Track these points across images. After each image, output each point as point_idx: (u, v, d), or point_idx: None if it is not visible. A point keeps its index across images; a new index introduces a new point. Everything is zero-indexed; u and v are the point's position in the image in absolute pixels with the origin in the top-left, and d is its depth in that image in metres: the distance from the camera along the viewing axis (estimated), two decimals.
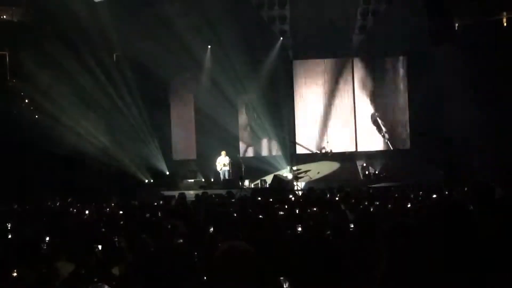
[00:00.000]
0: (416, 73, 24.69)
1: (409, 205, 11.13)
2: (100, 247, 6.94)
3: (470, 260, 2.89)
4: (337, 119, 27.15)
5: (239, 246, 2.88)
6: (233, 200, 15.53)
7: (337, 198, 14.49)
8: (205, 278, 3.11)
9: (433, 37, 22.49)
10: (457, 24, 23.81)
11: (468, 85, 21.71)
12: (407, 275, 3.09)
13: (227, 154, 25.24)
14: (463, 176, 17.84)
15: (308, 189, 18.38)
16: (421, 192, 14.47)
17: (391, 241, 3.52)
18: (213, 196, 16.87)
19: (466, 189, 13.43)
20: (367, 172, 25.30)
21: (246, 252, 2.83)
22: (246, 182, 24.26)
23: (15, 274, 5.70)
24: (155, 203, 15.52)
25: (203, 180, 25.54)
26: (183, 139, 26.92)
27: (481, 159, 20.61)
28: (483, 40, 22.02)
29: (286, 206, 12.04)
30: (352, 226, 7.51)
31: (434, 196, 12.97)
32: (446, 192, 13.80)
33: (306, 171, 24.10)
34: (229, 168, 25.01)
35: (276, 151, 27.48)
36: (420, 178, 19.49)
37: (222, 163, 25.05)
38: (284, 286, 4.01)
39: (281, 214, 10.69)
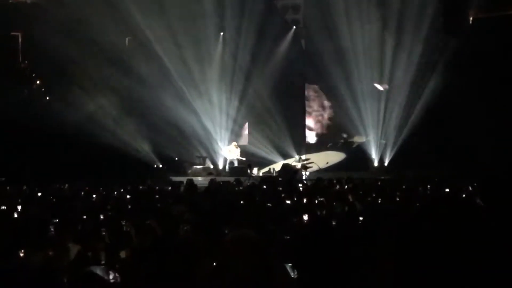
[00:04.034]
0: (428, 65, 24.51)
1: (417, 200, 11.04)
2: (107, 231, 6.98)
3: (479, 260, 2.88)
4: None
5: (248, 235, 2.88)
6: (241, 188, 15.54)
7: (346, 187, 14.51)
8: (213, 265, 3.11)
9: (447, 29, 22.38)
10: (471, 18, 23.65)
11: (478, 78, 21.59)
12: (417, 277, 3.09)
13: (238, 146, 25.31)
14: (473, 171, 17.70)
15: (316, 179, 18.35)
16: (429, 186, 14.36)
17: (397, 247, 3.51)
18: (221, 183, 16.89)
19: (475, 184, 13.35)
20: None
21: (255, 241, 2.83)
22: (255, 170, 24.25)
23: (22, 254, 5.73)
24: (163, 189, 15.56)
25: (211, 167, 25.55)
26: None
27: (492, 154, 20.47)
28: (496, 34, 21.87)
29: (293, 196, 12.01)
30: (361, 218, 7.50)
31: (447, 190, 12.85)
32: (454, 187, 13.68)
33: (313, 163, 24.04)
34: (237, 160, 25.06)
35: (285, 139, 27.42)
36: (428, 171, 19.39)
37: (233, 152, 25.08)
38: (291, 274, 4.01)
39: (288, 203, 10.69)
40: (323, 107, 27.56)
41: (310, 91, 27.81)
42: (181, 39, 24.71)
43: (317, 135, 27.58)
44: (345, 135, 26.94)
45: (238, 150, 25.19)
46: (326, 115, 27.56)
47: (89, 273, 4.81)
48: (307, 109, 27.83)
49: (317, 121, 27.71)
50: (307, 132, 27.64)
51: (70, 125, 22.18)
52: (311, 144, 27.28)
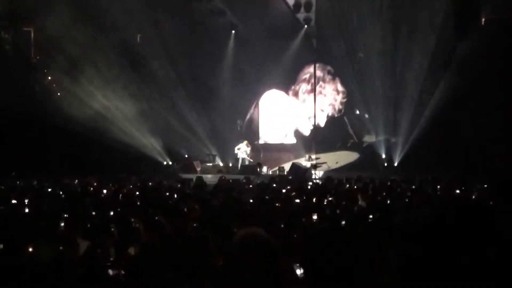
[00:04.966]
0: (440, 66, 24.40)
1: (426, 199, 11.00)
2: (116, 227, 6.99)
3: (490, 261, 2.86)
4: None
5: (257, 233, 2.87)
6: (250, 186, 15.54)
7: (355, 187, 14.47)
8: (221, 262, 3.11)
9: (459, 30, 22.33)
10: (483, 19, 23.55)
11: (489, 80, 21.52)
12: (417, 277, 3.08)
13: (249, 144, 25.36)
14: (482, 173, 17.62)
15: (325, 179, 18.32)
16: (439, 187, 14.31)
17: (399, 240, 3.50)
18: (231, 181, 16.90)
19: (486, 186, 13.29)
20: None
21: (264, 239, 2.82)
22: (264, 169, 24.27)
23: (30, 249, 5.75)
24: (173, 186, 15.58)
25: (221, 164, 25.58)
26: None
27: (502, 156, 20.37)
28: (508, 35, 21.77)
29: (303, 195, 12.00)
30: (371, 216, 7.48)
31: (457, 191, 12.80)
32: (464, 188, 13.63)
33: (323, 162, 24.04)
34: (247, 158, 25.11)
35: (295, 139, 27.42)
36: (438, 172, 19.31)
37: (244, 151, 25.12)
38: (298, 273, 4.01)
39: (297, 202, 10.68)
40: (337, 90, 27.45)
41: (324, 73, 27.67)
42: (192, 37, 24.74)
43: (327, 116, 27.43)
44: (352, 140, 26.90)
45: (249, 148, 25.22)
46: (339, 99, 27.42)
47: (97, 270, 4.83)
48: (321, 90, 27.69)
49: (330, 104, 27.59)
50: (318, 112, 27.42)
51: (80, 121, 22.25)
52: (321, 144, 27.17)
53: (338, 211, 9.24)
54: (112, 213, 8.83)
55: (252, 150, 25.38)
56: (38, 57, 24.90)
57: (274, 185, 15.64)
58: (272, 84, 27.20)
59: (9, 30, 24.37)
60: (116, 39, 23.73)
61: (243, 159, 25.05)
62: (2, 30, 23.99)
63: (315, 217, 8.39)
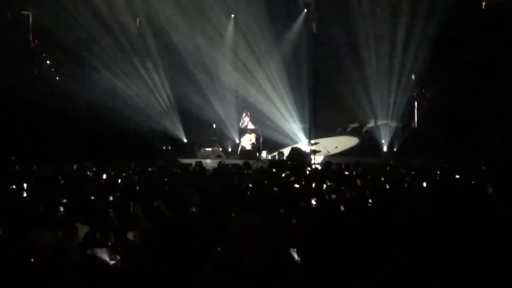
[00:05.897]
0: (440, 51, 24.32)
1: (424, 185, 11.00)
2: (115, 212, 6.98)
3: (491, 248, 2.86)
4: None
5: (255, 223, 2.87)
6: (250, 171, 15.54)
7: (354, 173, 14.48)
8: (218, 249, 3.11)
9: (459, 15, 22.31)
10: (483, 3, 23.49)
11: (491, 65, 21.49)
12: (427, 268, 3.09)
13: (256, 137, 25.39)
14: (483, 159, 17.62)
15: (325, 164, 18.31)
16: (439, 172, 14.30)
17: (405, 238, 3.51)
18: (230, 166, 16.89)
19: (484, 169, 13.30)
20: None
21: (262, 228, 2.82)
22: (264, 154, 24.24)
23: (30, 234, 5.75)
24: (172, 171, 15.57)
25: (220, 149, 25.53)
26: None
27: (502, 143, 20.38)
28: (509, 20, 21.73)
29: (302, 180, 11.99)
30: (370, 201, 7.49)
31: (457, 176, 12.79)
32: (464, 173, 13.62)
33: (319, 151, 24.01)
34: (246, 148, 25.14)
35: (295, 123, 27.34)
36: (438, 157, 19.32)
37: (248, 139, 25.12)
38: (296, 258, 4.01)
39: (296, 188, 10.68)
40: None
41: None
42: (191, 21, 24.63)
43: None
44: (354, 125, 26.89)
45: (254, 140, 25.16)
46: None
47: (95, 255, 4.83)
48: None
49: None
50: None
51: (79, 105, 22.20)
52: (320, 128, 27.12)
53: (337, 196, 9.23)
54: (111, 198, 8.81)
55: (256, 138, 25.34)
56: (36, 41, 24.77)
57: (274, 170, 15.64)
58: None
59: (7, 13, 24.20)
60: (116, 23, 23.64)
61: (243, 146, 25.05)
62: (0, 13, 23.83)
63: (314, 202, 8.37)
